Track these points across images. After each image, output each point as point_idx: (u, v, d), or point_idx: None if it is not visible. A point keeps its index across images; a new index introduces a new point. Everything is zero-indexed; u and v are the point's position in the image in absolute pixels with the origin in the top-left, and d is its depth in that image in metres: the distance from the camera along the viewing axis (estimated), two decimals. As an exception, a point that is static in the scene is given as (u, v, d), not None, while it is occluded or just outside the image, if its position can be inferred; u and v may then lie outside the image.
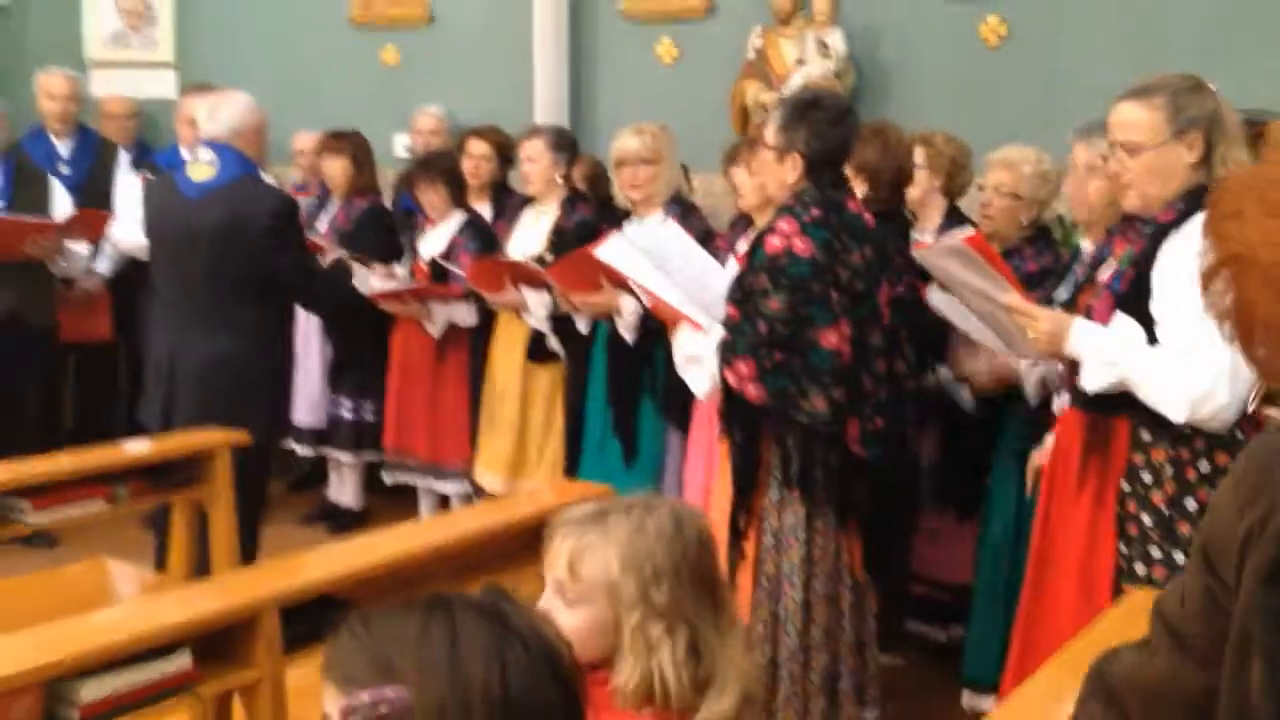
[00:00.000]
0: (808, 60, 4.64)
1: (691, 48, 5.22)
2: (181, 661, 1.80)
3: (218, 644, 1.91)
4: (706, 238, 3.78)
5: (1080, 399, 2.48)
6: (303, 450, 5.18)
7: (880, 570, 2.85)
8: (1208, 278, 0.79)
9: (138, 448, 3.05)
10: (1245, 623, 0.89)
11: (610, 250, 3.29)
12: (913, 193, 3.50)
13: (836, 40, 4.63)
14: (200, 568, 3.16)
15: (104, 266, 4.96)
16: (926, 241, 3.32)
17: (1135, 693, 1.06)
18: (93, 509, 2.76)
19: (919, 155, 3.51)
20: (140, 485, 2.89)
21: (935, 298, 3.04)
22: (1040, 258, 3.32)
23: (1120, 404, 2.36)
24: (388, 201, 5.18)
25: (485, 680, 1.02)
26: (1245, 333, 0.76)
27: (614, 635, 1.38)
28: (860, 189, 3.16)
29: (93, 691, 1.65)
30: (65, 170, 5.04)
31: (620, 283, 3.64)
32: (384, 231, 4.92)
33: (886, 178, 3.32)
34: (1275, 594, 0.86)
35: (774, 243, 2.71)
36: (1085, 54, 4.27)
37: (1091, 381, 2.38)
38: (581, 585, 1.39)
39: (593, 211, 4.40)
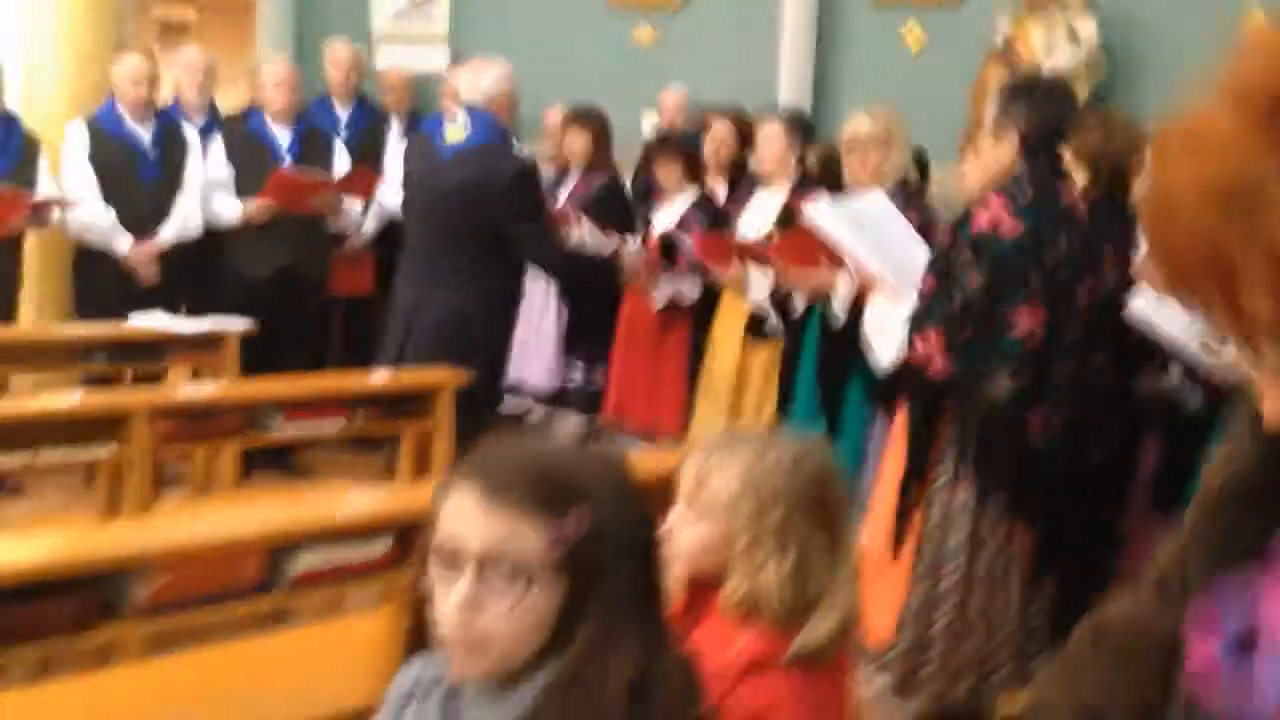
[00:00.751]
0: (1056, 48, 4.54)
1: (939, 34, 5.19)
2: (383, 547, 2.04)
3: (417, 539, 2.13)
4: (926, 224, 3.78)
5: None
6: (537, 410, 5.47)
7: (1057, 567, 2.79)
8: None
9: (375, 377, 3.38)
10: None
11: (817, 210, 3.37)
12: (1141, 184, 3.39)
13: (1088, 28, 4.50)
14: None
15: (371, 225, 5.38)
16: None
17: (1113, 626, 1.10)
18: (334, 428, 3.09)
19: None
20: (374, 412, 3.21)
21: (1137, 305, 2.94)
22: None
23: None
24: (628, 177, 5.41)
25: (626, 490, 1.16)
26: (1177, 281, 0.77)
27: (729, 551, 1.49)
28: (1080, 177, 3.10)
29: (307, 562, 1.91)
30: (343, 135, 5.52)
31: (838, 263, 3.71)
32: (618, 205, 5.14)
33: (1107, 166, 3.24)
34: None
35: (982, 219, 2.71)
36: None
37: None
38: (704, 502, 1.51)
39: (825, 195, 4.47)
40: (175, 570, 1.69)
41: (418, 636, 1.20)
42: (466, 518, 1.10)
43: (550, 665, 1.11)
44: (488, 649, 1.09)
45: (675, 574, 1.57)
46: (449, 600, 1.09)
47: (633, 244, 4.92)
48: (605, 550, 1.10)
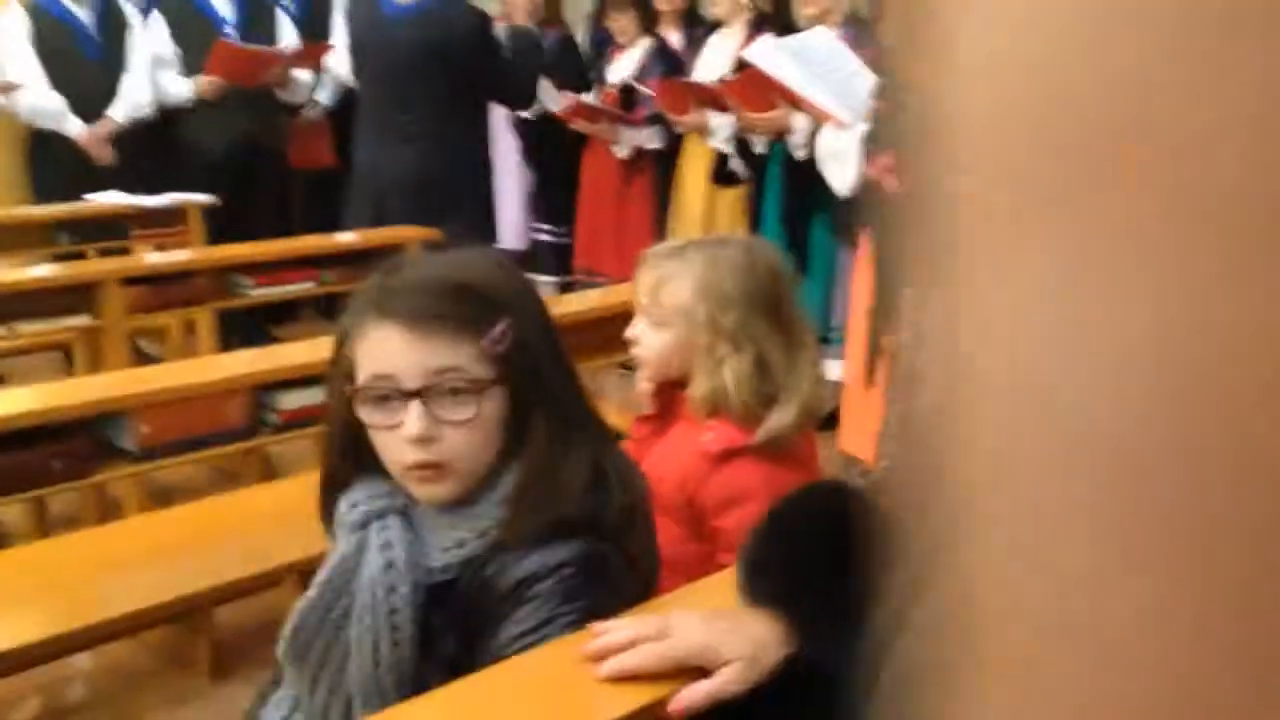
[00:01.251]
0: None
1: None
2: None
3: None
4: (880, 59, 3.78)
5: None
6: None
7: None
8: None
9: (343, 238, 3.41)
10: None
11: (758, 52, 3.38)
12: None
13: None
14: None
15: (325, 96, 5.30)
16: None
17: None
18: (303, 289, 3.12)
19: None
20: (344, 271, 3.24)
21: None
22: None
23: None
24: (578, 35, 5.33)
25: (531, 291, 1.19)
26: None
27: (690, 354, 1.55)
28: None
29: (290, 401, 1.98)
30: (288, 2, 5.40)
31: (793, 100, 3.72)
32: (572, 61, 5.09)
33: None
34: None
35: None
36: None
37: None
38: (662, 310, 1.56)
39: (777, 35, 4.44)
40: (164, 412, 1.76)
41: (343, 470, 1.18)
42: (397, 354, 1.09)
43: (508, 473, 1.13)
44: (453, 471, 1.11)
45: (642, 381, 1.65)
46: (404, 436, 1.09)
47: (589, 99, 4.89)
48: (533, 350, 1.13)
